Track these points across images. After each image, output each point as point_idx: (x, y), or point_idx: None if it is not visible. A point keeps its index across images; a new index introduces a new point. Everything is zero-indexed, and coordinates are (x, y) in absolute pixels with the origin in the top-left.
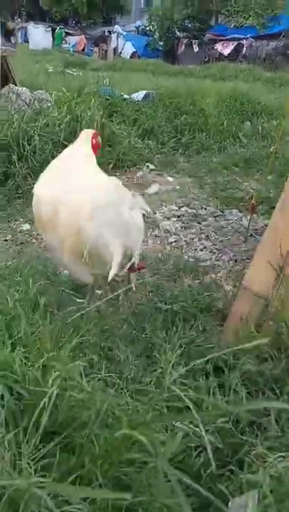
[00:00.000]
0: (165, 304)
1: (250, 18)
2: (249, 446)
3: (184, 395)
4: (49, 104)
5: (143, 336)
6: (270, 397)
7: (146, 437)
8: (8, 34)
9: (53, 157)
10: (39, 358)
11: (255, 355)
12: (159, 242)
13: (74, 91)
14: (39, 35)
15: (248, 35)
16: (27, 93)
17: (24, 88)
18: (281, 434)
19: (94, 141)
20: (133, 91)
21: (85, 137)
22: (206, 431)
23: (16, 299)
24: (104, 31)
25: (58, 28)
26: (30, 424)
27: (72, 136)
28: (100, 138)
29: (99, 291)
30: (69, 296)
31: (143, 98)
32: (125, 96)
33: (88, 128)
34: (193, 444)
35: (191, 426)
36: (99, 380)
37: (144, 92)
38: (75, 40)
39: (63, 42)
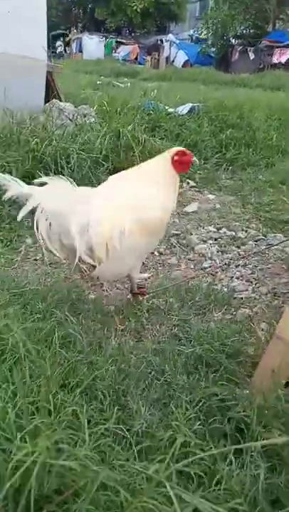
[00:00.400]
0: (190, 342)
1: None
2: None
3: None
4: (92, 120)
5: (162, 378)
6: None
7: None
8: (65, 45)
9: (92, 174)
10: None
11: (282, 422)
12: (192, 267)
13: (117, 105)
14: (93, 46)
15: None
16: (71, 108)
17: (68, 103)
18: None
19: (176, 157)
20: (179, 103)
21: (163, 155)
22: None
23: (29, 332)
24: (158, 40)
25: (109, 37)
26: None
27: (112, 153)
28: (188, 154)
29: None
30: (91, 327)
31: (188, 111)
32: (170, 110)
33: (128, 143)
34: None
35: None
36: (103, 433)
37: (190, 105)
38: (129, 50)
39: (113, 51)
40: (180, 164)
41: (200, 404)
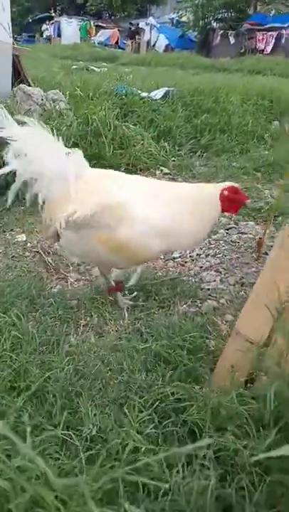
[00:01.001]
0: (151, 337)
1: None
2: None
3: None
4: (62, 105)
5: (120, 377)
6: (246, 484)
7: None
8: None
9: None
10: None
11: (237, 425)
12: (162, 257)
13: (89, 90)
14: (70, 30)
15: (287, 25)
16: (39, 93)
17: (37, 88)
18: None
19: (225, 192)
20: (155, 88)
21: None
22: None
23: None
24: (138, 24)
25: (83, 20)
26: None
27: (81, 140)
28: (241, 194)
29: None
30: (49, 323)
31: (162, 96)
32: (143, 94)
33: (98, 130)
34: None
35: None
36: (49, 442)
37: (164, 89)
38: (109, 34)
39: (89, 35)
40: (228, 203)
41: (155, 405)
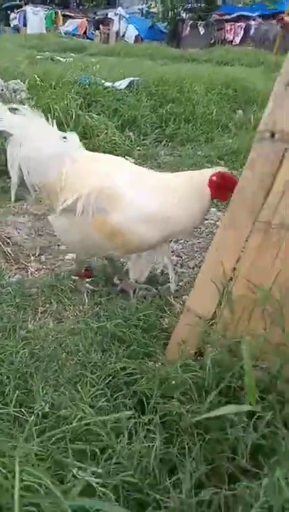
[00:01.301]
0: (108, 320)
1: None
2: (154, 506)
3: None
4: (23, 95)
5: (76, 358)
6: (188, 444)
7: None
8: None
9: None
10: None
11: (182, 392)
12: None
13: (52, 80)
14: (37, 19)
15: (256, 14)
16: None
17: None
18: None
19: (214, 178)
20: (121, 78)
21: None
22: (108, 484)
23: None
24: (107, 14)
25: (48, 9)
26: None
27: None
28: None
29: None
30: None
31: (127, 86)
32: (107, 84)
33: (59, 119)
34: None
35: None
36: (2, 419)
37: (129, 79)
38: (77, 24)
39: (55, 25)
40: (217, 189)
41: (107, 380)
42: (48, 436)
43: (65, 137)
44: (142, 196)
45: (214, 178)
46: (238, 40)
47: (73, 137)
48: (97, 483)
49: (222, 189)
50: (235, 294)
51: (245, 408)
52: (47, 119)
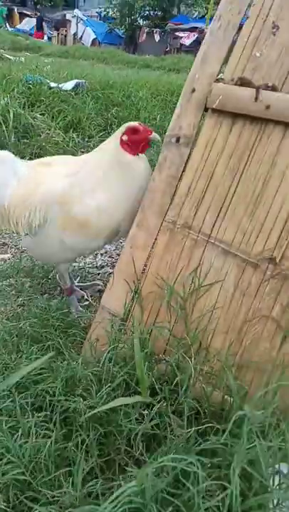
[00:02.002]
0: (28, 321)
1: (211, 8)
2: (44, 502)
3: None
4: None
5: None
6: (85, 438)
7: None
8: None
9: None
10: None
11: (83, 387)
12: None
13: None
14: None
15: (210, 26)
16: None
17: None
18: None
19: (124, 137)
20: (68, 80)
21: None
22: None
23: None
24: (65, 15)
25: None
26: None
27: None
28: (141, 131)
29: None
30: None
31: (73, 88)
32: (52, 84)
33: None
34: None
35: None
36: None
37: (75, 81)
38: (34, 23)
39: (6, 22)
40: (131, 146)
41: (16, 382)
42: None
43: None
44: (86, 185)
45: (124, 137)
46: (188, 42)
47: (6, 156)
48: None
49: (137, 145)
50: (146, 290)
51: (135, 399)
52: None
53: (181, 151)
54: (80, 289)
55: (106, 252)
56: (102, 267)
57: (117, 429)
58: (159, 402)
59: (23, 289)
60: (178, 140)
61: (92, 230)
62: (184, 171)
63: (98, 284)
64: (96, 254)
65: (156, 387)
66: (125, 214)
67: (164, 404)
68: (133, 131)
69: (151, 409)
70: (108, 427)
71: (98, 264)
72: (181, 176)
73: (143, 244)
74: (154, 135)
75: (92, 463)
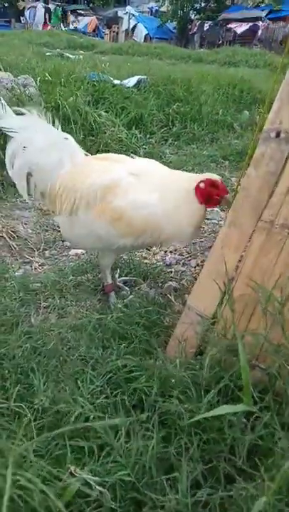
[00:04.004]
0: (110, 316)
1: None
2: (150, 506)
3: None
4: (33, 90)
5: (77, 354)
6: (186, 443)
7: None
8: (19, 14)
9: None
10: None
11: (180, 390)
12: None
13: (62, 76)
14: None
15: (264, 15)
16: (9, 78)
17: (7, 73)
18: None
19: (202, 184)
20: (128, 76)
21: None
22: (105, 483)
23: None
24: (117, 12)
25: (58, 6)
26: None
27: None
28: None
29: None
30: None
31: (135, 84)
32: (115, 82)
33: (68, 116)
34: (91, 498)
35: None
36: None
37: (137, 77)
38: (87, 22)
39: (60, 22)
40: (203, 195)
41: (107, 377)
42: (47, 433)
43: (66, 138)
44: (140, 188)
45: (202, 184)
46: (240, 30)
47: (71, 141)
48: (95, 481)
49: (209, 196)
50: (237, 292)
51: (241, 408)
52: (53, 117)
53: (282, 147)
54: (124, 283)
55: (176, 250)
56: (173, 265)
57: (220, 437)
58: (261, 411)
59: (100, 284)
60: (278, 135)
61: (123, 226)
62: (283, 167)
63: (133, 279)
64: (166, 252)
65: (255, 395)
66: (159, 230)
67: (270, 414)
68: (212, 184)
69: (255, 419)
70: (211, 433)
71: (168, 263)
72: (280, 172)
73: (235, 245)
74: (228, 197)
75: (196, 469)
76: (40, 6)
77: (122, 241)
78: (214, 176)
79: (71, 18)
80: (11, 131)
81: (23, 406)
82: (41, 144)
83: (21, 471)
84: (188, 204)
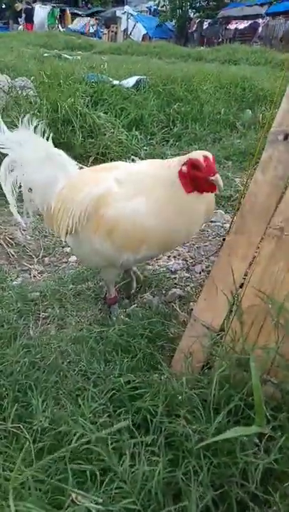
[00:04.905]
0: (112, 327)
1: None
2: None
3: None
4: (30, 92)
5: (77, 369)
6: (194, 467)
7: None
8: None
9: None
10: None
11: (188, 410)
12: None
13: (60, 77)
14: (44, 17)
15: (264, 12)
16: (6, 80)
17: (4, 75)
18: None
19: (184, 168)
20: (127, 76)
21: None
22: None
23: None
24: (115, 12)
25: (55, 7)
26: None
27: (49, 127)
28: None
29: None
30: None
31: (134, 84)
32: (114, 82)
33: (67, 117)
34: None
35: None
36: None
37: (136, 77)
38: (85, 22)
39: (57, 22)
40: (188, 181)
41: (110, 394)
42: (47, 457)
43: (59, 154)
44: (125, 194)
45: (184, 168)
46: (240, 26)
47: (62, 156)
48: (98, 510)
49: (196, 181)
50: (246, 303)
51: (253, 430)
52: (45, 130)
53: None
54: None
55: (179, 255)
56: (177, 271)
57: (231, 460)
58: (274, 430)
59: (101, 292)
60: (286, 137)
61: (118, 237)
62: None
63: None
64: (169, 257)
65: (268, 413)
66: (157, 241)
67: (286, 436)
68: (194, 166)
69: (269, 439)
70: (221, 456)
71: (173, 269)
72: None
73: (243, 253)
74: (217, 178)
75: (206, 495)
76: (39, 7)
77: (123, 256)
78: (198, 154)
79: (70, 18)
80: (3, 148)
81: (22, 427)
82: (34, 163)
83: (21, 501)
84: (176, 198)
